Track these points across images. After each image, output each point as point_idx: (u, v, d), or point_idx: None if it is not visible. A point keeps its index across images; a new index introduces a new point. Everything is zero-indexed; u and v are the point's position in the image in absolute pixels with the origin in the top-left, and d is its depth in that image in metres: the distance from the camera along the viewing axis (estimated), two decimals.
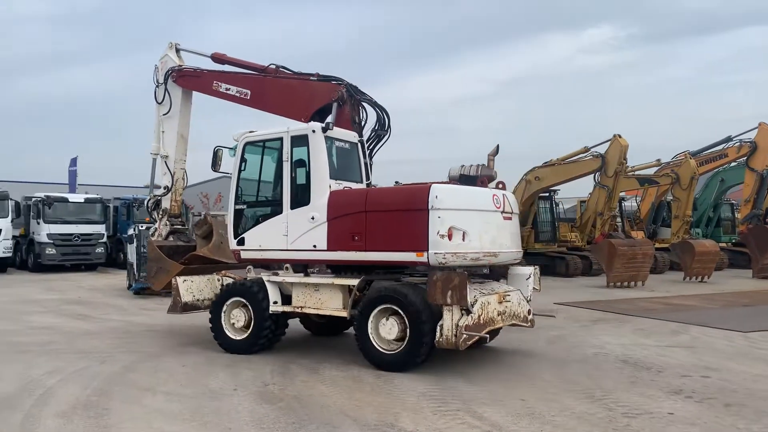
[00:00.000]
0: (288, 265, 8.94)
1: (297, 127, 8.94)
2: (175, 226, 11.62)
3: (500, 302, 8.02)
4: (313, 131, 8.59)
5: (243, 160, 9.21)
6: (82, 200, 26.54)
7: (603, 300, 15.93)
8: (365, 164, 9.39)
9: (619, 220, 25.82)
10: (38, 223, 25.21)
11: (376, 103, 9.92)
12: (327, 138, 8.64)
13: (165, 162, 11.62)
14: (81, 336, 10.52)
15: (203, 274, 10.06)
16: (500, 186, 9.30)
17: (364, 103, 9.83)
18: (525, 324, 8.61)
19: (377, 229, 7.92)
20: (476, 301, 7.48)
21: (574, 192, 29.08)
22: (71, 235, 24.87)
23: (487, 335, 7.64)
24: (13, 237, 25.32)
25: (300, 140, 8.72)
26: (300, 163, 8.78)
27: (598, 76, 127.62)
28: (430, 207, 7.50)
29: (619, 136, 20.85)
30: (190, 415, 6.09)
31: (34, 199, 26.08)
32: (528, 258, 22.71)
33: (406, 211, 7.78)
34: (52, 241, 24.68)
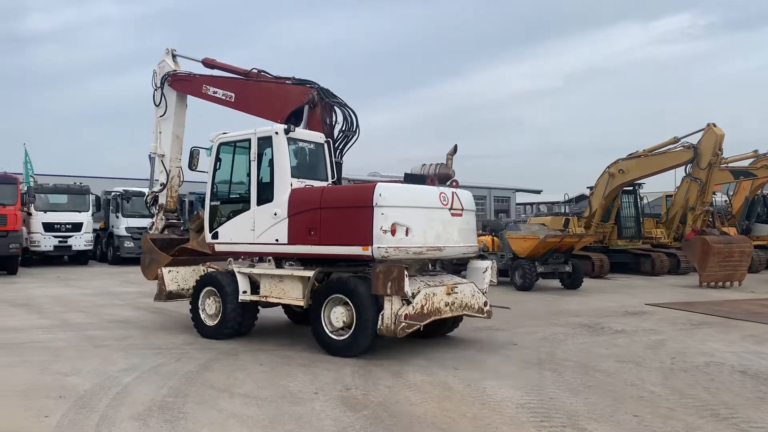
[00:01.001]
0: (270, 258, 9.28)
1: (263, 128, 9.42)
2: (170, 221, 12.29)
3: (448, 294, 8.49)
4: (276, 133, 9.11)
5: (218, 159, 9.87)
6: None
7: (699, 301, 14.73)
8: (331, 163, 9.77)
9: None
10: (117, 217, 25.85)
11: (346, 105, 10.32)
12: (290, 139, 9.18)
13: (161, 161, 12.31)
14: (157, 331, 10.37)
15: (191, 265, 10.80)
16: (453, 184, 9.59)
17: (334, 106, 10.24)
18: (480, 315, 9.10)
19: (330, 225, 8.42)
20: (419, 291, 8.03)
21: (657, 186, 27.55)
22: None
23: (421, 325, 8.04)
24: (94, 230, 26.02)
25: (265, 141, 9.27)
26: (265, 163, 9.33)
27: (674, 67, 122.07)
28: (374, 204, 7.95)
29: (714, 125, 19.38)
30: (270, 422, 5.65)
31: (113, 194, 26.77)
32: (610, 255, 21.66)
33: (354, 208, 8.25)
34: (130, 235, 25.22)
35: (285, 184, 9.00)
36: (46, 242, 24.07)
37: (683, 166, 20.56)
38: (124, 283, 18.45)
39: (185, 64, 12.49)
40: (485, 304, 9.11)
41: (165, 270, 10.54)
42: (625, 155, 21.85)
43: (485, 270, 9.29)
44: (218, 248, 9.85)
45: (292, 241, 8.77)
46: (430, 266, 9.39)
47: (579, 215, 23.68)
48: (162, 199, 12.27)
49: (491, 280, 9.35)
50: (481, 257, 9.58)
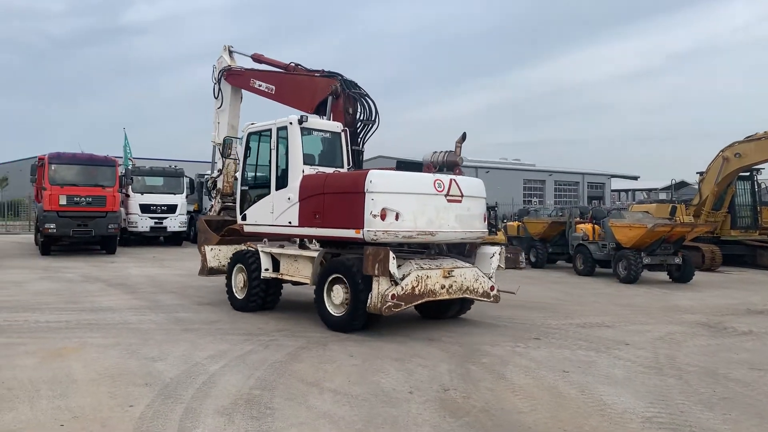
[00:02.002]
0: (296, 239, 10.06)
1: (281, 119, 9.98)
2: (226, 204, 12.82)
3: (445, 277, 8.71)
4: (291, 123, 9.70)
5: (247, 147, 10.67)
6: None
7: None
8: (347, 151, 10.28)
9: None
10: (210, 200, 26.28)
11: (367, 96, 10.89)
12: (304, 129, 9.77)
13: (218, 149, 13.07)
14: (246, 315, 10.13)
15: (235, 244, 11.44)
16: (456, 172, 9.92)
17: (357, 96, 10.77)
18: (486, 299, 9.29)
19: (330, 209, 8.94)
20: (410, 273, 8.35)
21: None
22: None
23: (406, 306, 8.36)
24: (188, 212, 26.62)
25: (282, 131, 9.90)
26: (282, 151, 9.95)
27: None
28: (365, 190, 8.31)
29: None
30: (363, 424, 5.13)
31: (206, 177, 27.23)
32: (722, 246, 19.91)
33: (349, 194, 8.65)
34: None
35: (297, 170, 9.62)
36: (143, 223, 24.81)
37: None
38: None
39: (240, 59, 13.51)
40: (492, 288, 9.29)
41: (208, 248, 11.47)
42: (741, 138, 19.96)
43: (492, 255, 9.46)
44: (246, 229, 10.65)
45: (301, 223, 9.41)
46: (435, 251, 9.68)
47: (687, 203, 21.95)
48: (219, 184, 13.04)
49: (499, 265, 9.50)
50: (491, 243, 9.82)
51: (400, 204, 8.45)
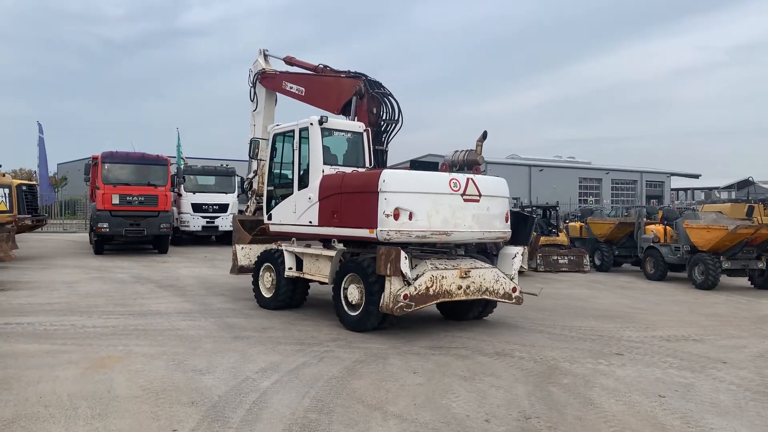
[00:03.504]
0: (318, 240, 10.07)
1: (303, 120, 10.00)
2: (260, 204, 12.48)
3: (462, 277, 8.51)
4: (311, 124, 9.76)
5: (273, 148, 10.84)
6: None
7: None
8: (370, 151, 10.26)
9: None
10: (247, 199, 26.00)
11: (390, 95, 10.81)
12: (325, 129, 9.82)
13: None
14: (298, 321, 9.55)
15: (265, 243, 11.41)
16: (475, 171, 9.92)
17: (380, 96, 10.68)
18: (507, 300, 9.01)
19: (347, 208, 8.92)
20: (423, 273, 8.19)
21: None
22: None
23: (418, 306, 8.11)
24: (239, 211, 26.36)
25: (304, 131, 9.95)
26: (304, 151, 9.97)
27: None
28: (379, 190, 8.23)
29: None
30: None
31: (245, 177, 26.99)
32: None
33: (363, 193, 8.59)
34: None
35: (318, 170, 9.65)
36: (195, 222, 24.67)
37: None
38: None
39: (275, 63, 13.59)
40: (513, 289, 9.04)
41: (238, 247, 11.58)
42: None
43: (514, 256, 9.28)
44: (272, 228, 10.73)
45: (321, 223, 9.41)
46: (455, 251, 9.43)
47: (766, 202, 20.45)
48: (255, 185, 13.15)
49: (521, 266, 9.35)
50: (512, 243, 9.50)
51: (413, 203, 8.32)
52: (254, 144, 11.89)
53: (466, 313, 9.69)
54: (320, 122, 9.74)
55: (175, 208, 23.39)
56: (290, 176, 10.29)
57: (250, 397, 5.78)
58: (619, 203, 64.32)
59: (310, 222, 9.61)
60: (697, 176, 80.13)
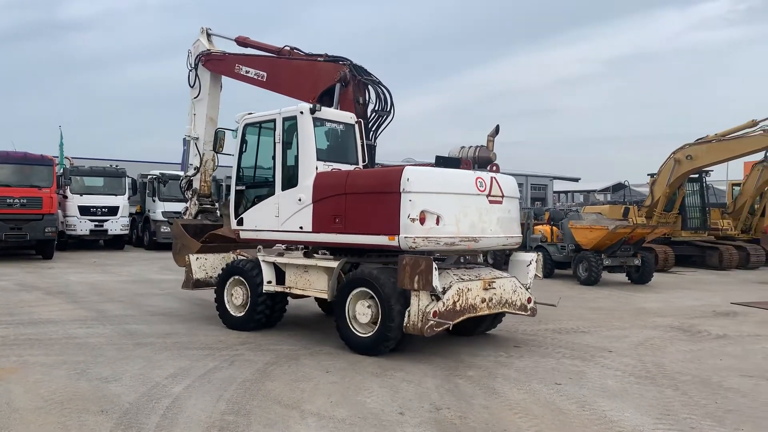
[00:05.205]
0: (300, 246, 8.81)
1: (288, 108, 8.75)
2: (204, 206, 11.80)
3: (485, 289, 7.68)
4: (301, 112, 8.46)
5: (243, 141, 9.31)
6: None
7: None
8: (362, 146, 9.13)
9: None
10: (153, 201, 25.13)
11: (380, 83, 9.68)
12: (317, 119, 8.53)
13: (195, 144, 11.82)
14: (204, 326, 9.40)
15: (221, 252, 10.20)
16: (493, 169, 8.81)
17: (368, 84, 9.58)
18: (523, 312, 8.22)
19: (355, 212, 7.75)
20: (450, 287, 7.24)
21: (717, 174, 25.80)
22: None
23: (451, 323, 7.14)
24: (130, 214, 25.33)
25: (290, 121, 8.63)
26: (290, 145, 8.69)
27: (716, 53, 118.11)
28: (401, 190, 7.23)
29: None
30: None
31: (149, 177, 26.04)
32: (675, 247, 20.19)
33: (379, 194, 7.55)
34: (166, 219, 24.43)
35: (310, 167, 8.37)
36: (82, 226, 23.41)
37: (762, 152, 18.96)
38: (162, 270, 17.63)
39: (220, 43, 12.08)
40: (529, 300, 8.24)
41: (193, 257, 9.95)
42: (693, 141, 20.28)
43: (529, 263, 8.48)
44: (243, 235, 9.28)
45: (316, 228, 8.17)
46: (462, 259, 8.51)
47: (639, 204, 22.21)
48: (196, 184, 11.86)
49: (536, 274, 8.54)
50: (525, 249, 8.66)
51: (440, 205, 7.36)
52: (219, 135, 10.13)
53: (475, 327, 8.65)
54: (312, 111, 8.42)
55: (60, 211, 22.08)
56: (270, 174, 8.90)
57: (162, 402, 5.69)
58: None
59: (301, 228, 8.30)
60: (576, 180, 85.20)
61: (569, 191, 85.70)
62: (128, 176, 25.17)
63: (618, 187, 44.81)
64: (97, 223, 23.60)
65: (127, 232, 24.80)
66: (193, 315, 10.39)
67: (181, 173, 27.83)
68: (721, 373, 7.07)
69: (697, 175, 21.49)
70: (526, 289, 8.27)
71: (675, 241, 20.97)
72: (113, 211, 23.94)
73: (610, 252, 15.78)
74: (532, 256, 8.59)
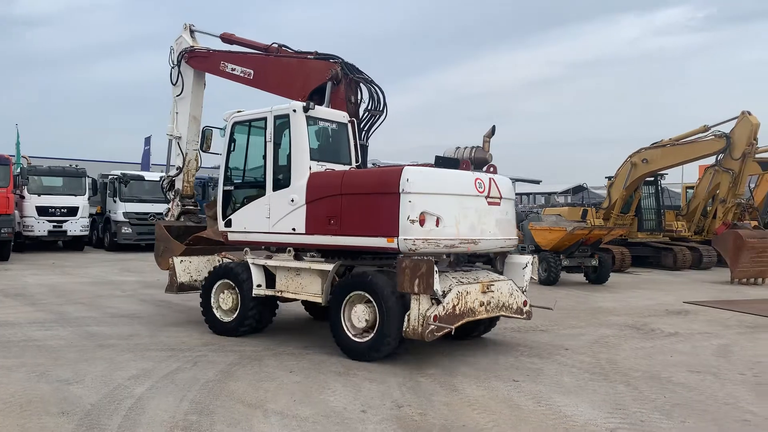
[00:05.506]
0: (291, 249, 8.43)
1: (279, 106, 8.57)
2: (186, 207, 11.57)
3: (483, 292, 7.59)
4: (294, 110, 8.28)
5: (231, 140, 9.09)
6: (158, 179, 25.79)
7: (741, 300, 13.83)
8: (355, 145, 9.01)
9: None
10: (114, 201, 24.76)
11: (373, 82, 9.54)
12: (310, 118, 8.38)
13: (178, 143, 11.61)
14: (166, 327, 9.38)
15: (205, 255, 9.94)
16: (491, 170, 8.61)
17: (360, 83, 9.46)
18: (519, 316, 8.18)
19: (351, 213, 7.58)
20: (450, 290, 7.13)
21: (672, 177, 26.60)
22: (147, 214, 24.22)
23: (452, 328, 7.05)
24: (90, 215, 24.90)
25: (282, 120, 8.44)
26: (282, 144, 8.51)
27: (675, 59, 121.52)
28: (401, 190, 7.08)
29: (749, 113, 18.41)
30: None
31: (110, 177, 25.64)
32: (631, 248, 20.76)
33: (378, 195, 7.39)
34: (128, 220, 24.15)
35: (303, 167, 8.19)
36: (40, 227, 22.92)
37: (713, 156, 19.62)
38: (123, 272, 17.43)
39: (204, 40, 11.79)
40: (525, 303, 8.18)
41: (177, 260, 9.64)
42: (648, 145, 20.88)
43: (525, 266, 8.38)
44: (231, 237, 9.02)
45: (309, 230, 7.95)
46: (450, 260, 8.48)
47: (597, 206, 22.76)
48: (178, 184, 11.55)
49: (532, 277, 8.44)
50: (521, 251, 8.60)
51: (440, 207, 7.24)
52: (207, 133, 9.75)
53: (471, 331, 8.58)
54: (305, 109, 8.24)
55: (17, 212, 21.59)
56: (260, 174, 8.69)
57: (125, 403, 5.70)
58: None
59: (294, 229, 8.10)
60: (538, 182, 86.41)
61: (531, 193, 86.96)
62: (88, 176, 24.74)
63: (578, 190, 45.61)
64: (55, 224, 23.14)
65: (87, 233, 24.37)
66: (155, 317, 10.34)
67: (143, 173, 27.63)
68: (670, 369, 7.37)
69: (652, 178, 22.12)
70: (522, 292, 8.22)
71: (631, 242, 21.55)
72: (72, 211, 23.51)
73: (569, 253, 16.17)
74: (528, 259, 8.49)
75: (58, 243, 24.81)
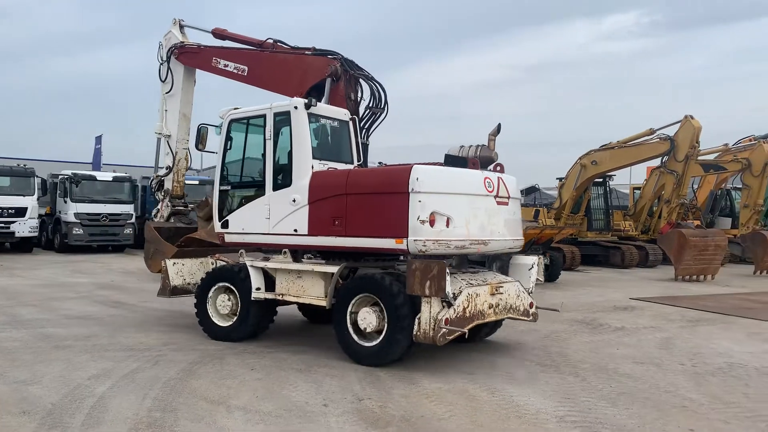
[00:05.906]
0: (286, 250, 8.20)
1: (279, 103, 8.35)
2: (176, 208, 11.36)
3: (492, 294, 7.45)
4: (295, 107, 8.03)
5: (228, 138, 8.75)
6: (110, 179, 25.43)
7: (683, 296, 14.50)
8: (357, 143, 8.83)
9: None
10: (65, 202, 24.20)
11: (373, 79, 9.28)
12: (311, 115, 8.16)
13: (167, 142, 11.36)
14: (123, 328, 9.33)
15: (198, 257, 9.65)
16: (498, 169, 8.60)
17: (360, 79, 9.19)
18: (526, 318, 8.05)
19: (358, 213, 7.36)
20: (461, 292, 6.94)
21: (620, 178, 27.52)
22: (99, 215, 23.79)
23: (466, 330, 6.94)
24: (39, 216, 24.28)
25: (282, 117, 8.19)
26: (282, 142, 8.26)
27: (622, 63, 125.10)
28: (410, 190, 6.87)
29: (691, 117, 19.26)
30: None
31: (61, 177, 25.05)
32: (581, 247, 21.41)
33: (386, 194, 7.19)
34: (79, 221, 23.65)
35: (305, 166, 7.95)
36: None
37: (659, 158, 20.43)
38: (74, 273, 17.10)
39: (194, 35, 11.59)
40: (531, 305, 8.06)
41: (170, 262, 9.31)
42: (597, 148, 21.60)
43: (531, 267, 8.22)
44: (228, 238, 8.73)
45: (312, 231, 7.70)
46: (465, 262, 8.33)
47: (548, 206, 23.40)
48: (168, 184, 11.31)
49: (537, 278, 8.32)
50: (527, 252, 8.44)
51: (450, 206, 7.05)
52: (202, 131, 9.23)
53: (476, 333, 8.24)
54: (307, 106, 7.99)
55: None
56: (258, 173, 8.46)
57: (87, 402, 5.72)
58: None
59: (296, 230, 7.84)
60: None
61: None
62: (37, 176, 24.14)
63: (530, 190, 46.70)
64: (2, 225, 22.52)
65: (36, 234, 23.78)
66: (111, 318, 10.26)
67: (95, 173, 27.05)
68: (616, 361, 7.75)
69: (601, 180, 22.87)
70: (528, 294, 8.12)
71: (581, 241, 22.24)
72: (21, 212, 22.90)
73: (521, 252, 16.57)
74: (533, 260, 8.35)
75: (5, 245, 24.12)
